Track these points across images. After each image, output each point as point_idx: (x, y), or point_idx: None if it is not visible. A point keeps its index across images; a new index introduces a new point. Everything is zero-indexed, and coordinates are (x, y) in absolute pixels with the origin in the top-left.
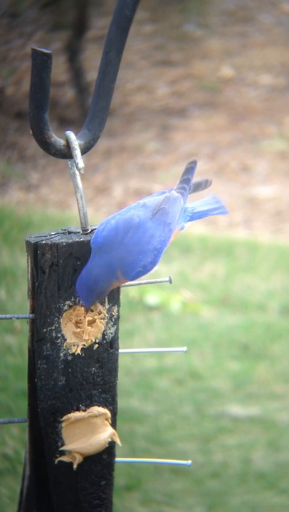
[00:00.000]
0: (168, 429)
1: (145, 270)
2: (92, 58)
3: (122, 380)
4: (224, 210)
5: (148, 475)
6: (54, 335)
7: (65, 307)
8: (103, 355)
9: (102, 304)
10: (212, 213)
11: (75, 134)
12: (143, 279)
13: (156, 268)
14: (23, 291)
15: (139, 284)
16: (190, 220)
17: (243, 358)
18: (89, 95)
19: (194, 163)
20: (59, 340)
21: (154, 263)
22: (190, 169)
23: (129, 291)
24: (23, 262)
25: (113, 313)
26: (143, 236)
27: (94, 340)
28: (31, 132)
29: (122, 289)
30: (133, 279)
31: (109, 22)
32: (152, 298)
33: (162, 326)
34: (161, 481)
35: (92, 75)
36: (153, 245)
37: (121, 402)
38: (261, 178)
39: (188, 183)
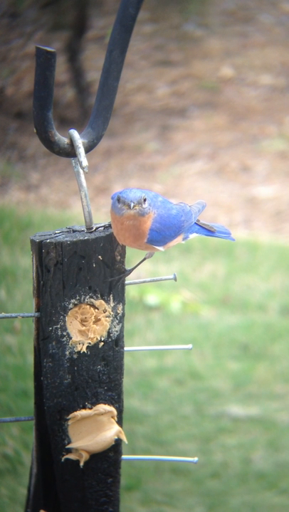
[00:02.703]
0: (168, 429)
1: (159, 235)
2: (92, 58)
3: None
4: (231, 238)
5: (148, 475)
6: (59, 333)
7: (71, 305)
8: (108, 353)
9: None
10: (219, 235)
11: (78, 133)
12: (147, 277)
13: (160, 248)
14: (23, 291)
15: (144, 281)
16: (196, 232)
17: (243, 358)
18: (89, 95)
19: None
20: (64, 339)
21: (164, 239)
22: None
23: (129, 291)
24: (23, 262)
25: (118, 312)
26: (172, 207)
27: (99, 339)
28: (35, 131)
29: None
30: (151, 233)
31: (109, 22)
32: (152, 298)
33: (162, 326)
34: (161, 481)
35: (92, 74)
36: (176, 223)
37: None
38: (261, 178)
39: (201, 207)
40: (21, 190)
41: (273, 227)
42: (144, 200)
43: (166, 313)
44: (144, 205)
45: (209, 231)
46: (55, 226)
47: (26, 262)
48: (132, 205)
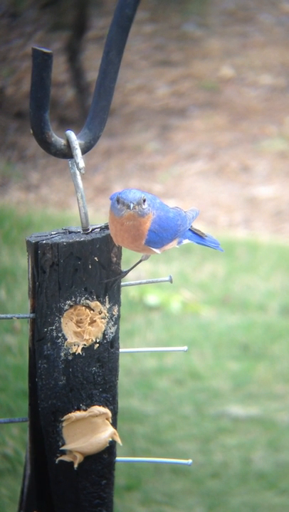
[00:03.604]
0: (168, 429)
1: (157, 237)
2: (92, 58)
3: (122, 380)
4: (220, 248)
5: (148, 475)
6: (55, 334)
7: (66, 307)
8: (104, 354)
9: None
10: (209, 244)
11: (76, 134)
12: (144, 279)
13: (157, 251)
14: (23, 291)
15: (140, 283)
16: (188, 238)
17: (243, 358)
18: (89, 95)
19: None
20: (60, 340)
21: (161, 241)
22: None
23: (129, 291)
24: (23, 262)
25: (114, 313)
26: (169, 210)
27: (94, 340)
28: (32, 132)
29: (122, 288)
30: (150, 234)
31: (109, 22)
32: (152, 298)
33: (162, 326)
34: (161, 481)
35: (92, 75)
36: (173, 226)
37: (121, 402)
38: (261, 178)
39: (195, 214)
40: (21, 190)
41: (273, 227)
42: (144, 200)
43: (166, 313)
44: (143, 206)
45: (200, 238)
46: (55, 226)
47: (26, 262)
48: (132, 205)
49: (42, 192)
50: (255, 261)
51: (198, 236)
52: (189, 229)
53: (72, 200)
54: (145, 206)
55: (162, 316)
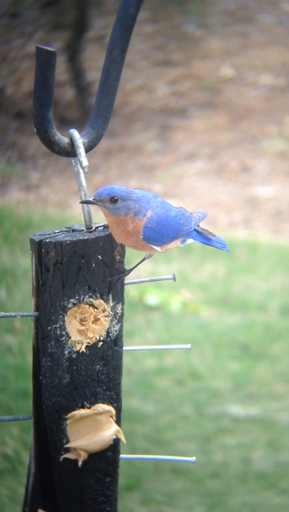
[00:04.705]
0: (168, 429)
1: (156, 234)
2: (92, 58)
3: (122, 380)
4: (227, 249)
5: (148, 475)
6: (58, 333)
7: (70, 305)
8: (107, 352)
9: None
10: (215, 245)
11: (78, 133)
12: (147, 277)
13: (157, 248)
14: (23, 291)
15: (143, 281)
16: (193, 238)
17: (243, 358)
18: (89, 95)
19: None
20: (63, 338)
21: (161, 239)
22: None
23: (129, 290)
24: (23, 262)
25: (117, 311)
26: (171, 209)
27: (98, 338)
28: (35, 130)
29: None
30: (147, 231)
31: (109, 22)
32: (152, 298)
33: (162, 326)
34: (161, 481)
35: (92, 74)
36: (174, 225)
37: None
38: (261, 178)
39: (202, 216)
40: (21, 190)
41: (273, 227)
42: (115, 199)
43: (166, 313)
44: (113, 205)
45: (207, 239)
46: (55, 226)
47: (26, 262)
48: (92, 199)
49: (42, 192)
50: (255, 261)
51: (204, 236)
52: (195, 229)
53: (72, 200)
54: (118, 205)
55: (162, 316)
